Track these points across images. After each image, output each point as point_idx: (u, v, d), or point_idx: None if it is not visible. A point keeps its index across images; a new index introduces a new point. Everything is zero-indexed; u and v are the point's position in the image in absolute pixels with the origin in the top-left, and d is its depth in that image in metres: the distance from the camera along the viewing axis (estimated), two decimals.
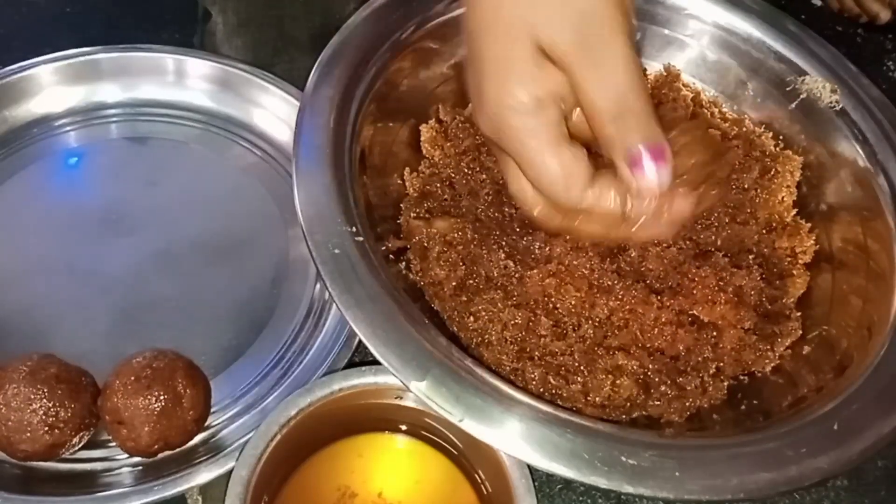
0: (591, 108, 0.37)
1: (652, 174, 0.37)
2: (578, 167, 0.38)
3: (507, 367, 0.43)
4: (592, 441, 0.36)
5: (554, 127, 0.37)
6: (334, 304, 0.47)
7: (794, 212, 0.52)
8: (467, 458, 0.43)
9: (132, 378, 0.43)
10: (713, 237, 0.49)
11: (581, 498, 0.47)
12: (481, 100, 0.39)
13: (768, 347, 0.46)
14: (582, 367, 0.43)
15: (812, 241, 0.50)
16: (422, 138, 0.52)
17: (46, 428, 0.42)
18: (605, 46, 0.36)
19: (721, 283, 0.46)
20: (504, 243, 0.47)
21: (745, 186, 0.51)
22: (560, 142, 0.38)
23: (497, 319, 0.44)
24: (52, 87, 0.59)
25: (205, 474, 0.43)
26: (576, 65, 0.36)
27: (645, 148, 0.36)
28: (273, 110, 0.59)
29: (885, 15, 0.69)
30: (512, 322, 0.44)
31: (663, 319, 0.45)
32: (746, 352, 0.45)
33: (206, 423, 0.46)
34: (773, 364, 0.45)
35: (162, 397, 0.43)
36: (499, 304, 0.44)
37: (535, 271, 0.45)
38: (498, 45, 0.38)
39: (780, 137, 0.54)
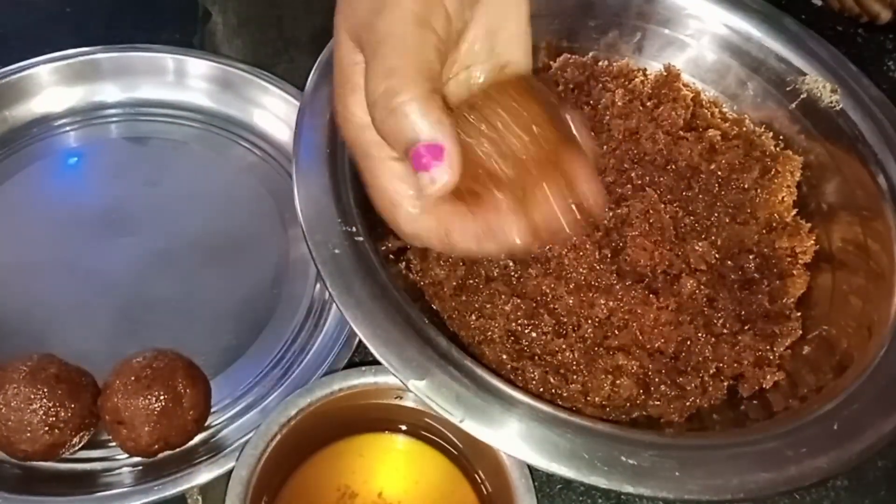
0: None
1: (434, 177, 0.31)
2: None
3: (508, 367, 0.43)
4: (592, 441, 0.36)
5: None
6: (334, 304, 0.47)
7: (794, 212, 0.52)
8: (467, 458, 0.43)
9: (132, 378, 0.43)
10: (713, 238, 0.49)
11: (581, 498, 0.47)
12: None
13: (768, 347, 0.46)
14: (582, 367, 0.43)
15: (812, 241, 0.50)
16: None
17: (46, 428, 0.42)
18: (383, 32, 0.31)
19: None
20: None
21: (745, 186, 0.51)
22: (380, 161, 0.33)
23: (500, 313, 0.44)
24: (52, 87, 0.59)
25: (205, 474, 0.43)
26: (366, 54, 0.32)
27: (418, 150, 0.30)
28: (273, 110, 0.59)
29: (885, 15, 0.69)
30: (514, 314, 0.44)
31: (663, 319, 0.45)
32: (746, 352, 0.45)
33: (206, 423, 0.46)
34: (774, 376, 0.45)
35: (162, 397, 0.43)
36: (502, 297, 0.44)
37: (532, 270, 0.45)
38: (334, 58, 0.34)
39: (780, 137, 0.54)
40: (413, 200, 0.33)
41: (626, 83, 0.55)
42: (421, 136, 0.30)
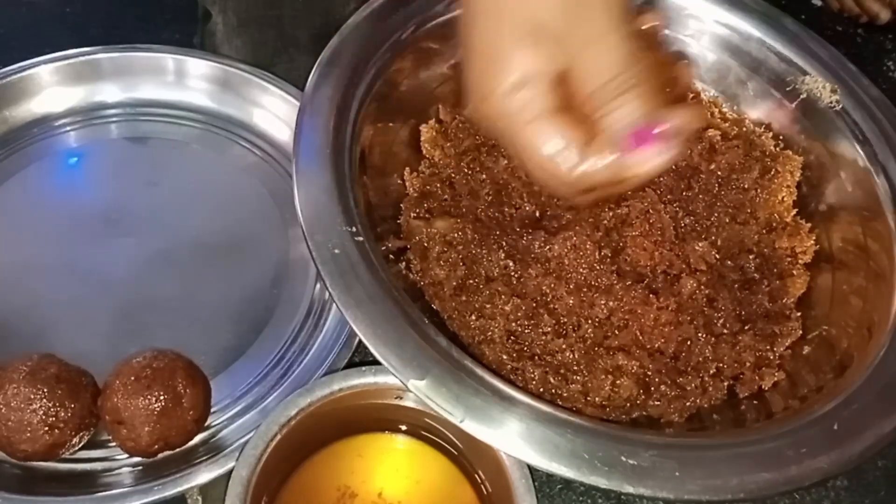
0: (585, 89, 0.37)
1: (644, 158, 0.36)
2: (565, 143, 0.37)
3: (508, 367, 0.43)
4: (592, 441, 0.36)
5: (538, 105, 0.37)
6: (334, 304, 0.47)
7: (794, 212, 0.52)
8: (467, 458, 0.43)
9: (132, 378, 0.43)
10: (713, 237, 0.49)
11: (581, 498, 0.47)
12: (473, 90, 0.39)
13: (768, 347, 0.46)
14: (582, 367, 0.43)
15: (812, 241, 0.50)
16: (422, 138, 0.52)
17: (46, 428, 0.42)
18: (594, 25, 0.36)
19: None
20: (504, 243, 0.47)
21: (745, 186, 0.51)
22: (546, 119, 0.37)
23: (500, 313, 0.44)
24: (52, 87, 0.59)
25: (205, 474, 0.43)
26: (569, 45, 0.36)
27: (634, 134, 0.36)
28: (273, 110, 0.59)
29: (885, 15, 0.69)
30: (514, 314, 0.44)
31: (663, 319, 0.45)
32: (746, 352, 0.45)
33: (206, 423, 0.46)
34: (774, 376, 0.45)
35: (162, 397, 0.43)
36: (502, 297, 0.44)
37: (532, 270, 0.45)
38: (489, 33, 0.38)
39: (780, 137, 0.54)
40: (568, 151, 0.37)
41: None
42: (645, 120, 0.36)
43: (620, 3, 0.37)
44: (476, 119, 0.41)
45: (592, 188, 0.38)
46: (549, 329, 0.44)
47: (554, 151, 0.37)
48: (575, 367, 0.43)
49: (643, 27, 0.41)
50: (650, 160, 0.36)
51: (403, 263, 0.47)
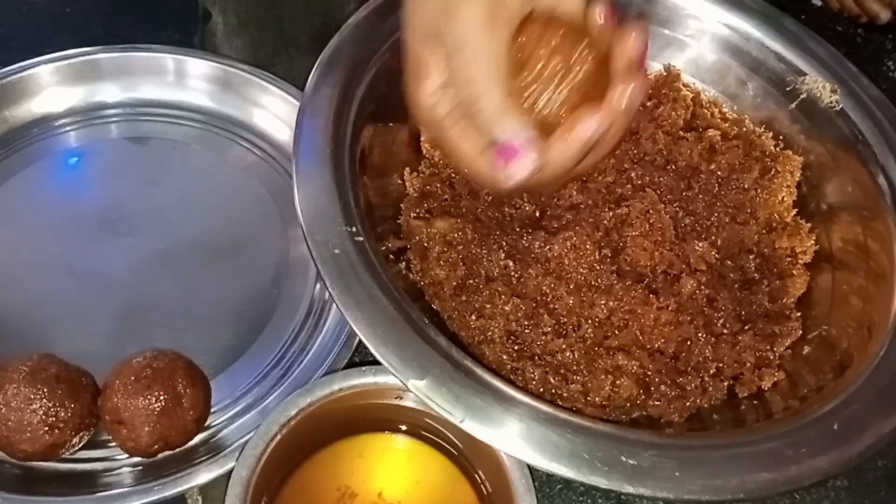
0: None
1: (510, 173, 0.37)
2: (479, 149, 0.38)
3: (508, 367, 0.43)
4: (592, 441, 0.36)
5: (452, 113, 0.38)
6: (334, 304, 0.47)
7: (794, 212, 0.52)
8: (467, 458, 0.43)
9: (132, 378, 0.43)
10: (713, 237, 0.49)
11: (581, 498, 0.47)
12: (409, 98, 0.40)
13: (768, 347, 0.46)
14: (582, 367, 0.43)
15: (812, 241, 0.50)
16: (422, 138, 0.52)
17: (46, 428, 0.42)
18: (456, 40, 0.37)
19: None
20: (504, 243, 0.47)
21: (745, 186, 0.51)
22: (460, 126, 0.38)
23: (500, 313, 0.44)
24: (52, 87, 0.59)
25: (205, 474, 0.43)
26: (448, 48, 0.37)
27: (497, 149, 0.37)
28: (273, 110, 0.59)
29: (885, 15, 0.69)
30: (514, 314, 0.44)
31: (663, 319, 0.45)
32: (746, 352, 0.45)
33: (206, 423, 0.46)
34: (774, 376, 0.45)
35: (162, 397, 0.43)
36: (502, 297, 0.44)
37: (532, 270, 0.45)
38: (409, 40, 0.40)
39: (780, 137, 0.54)
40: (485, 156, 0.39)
41: None
42: (499, 137, 0.37)
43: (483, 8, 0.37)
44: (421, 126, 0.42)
45: (527, 188, 0.40)
46: (549, 329, 0.44)
47: (471, 157, 0.39)
48: (575, 367, 0.43)
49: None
50: (519, 172, 0.37)
51: (403, 263, 0.47)
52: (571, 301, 0.45)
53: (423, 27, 0.39)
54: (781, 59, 0.54)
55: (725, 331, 0.46)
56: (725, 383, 0.45)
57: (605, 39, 0.39)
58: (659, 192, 0.50)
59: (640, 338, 0.45)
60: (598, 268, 0.46)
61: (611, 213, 0.48)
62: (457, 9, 0.36)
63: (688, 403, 0.44)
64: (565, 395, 0.43)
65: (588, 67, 0.38)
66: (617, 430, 0.38)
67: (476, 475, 0.43)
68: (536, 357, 0.44)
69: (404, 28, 0.40)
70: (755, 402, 0.45)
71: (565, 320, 0.45)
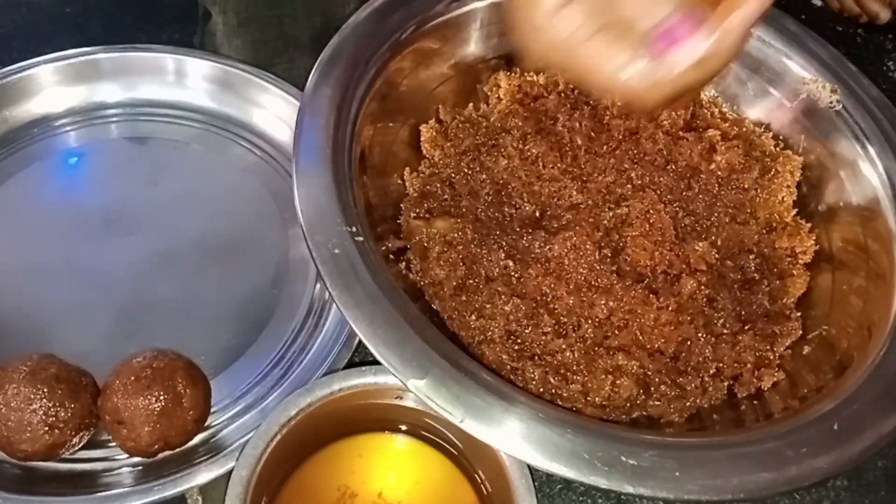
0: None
1: (675, 61, 0.36)
2: (627, 56, 0.37)
3: (508, 367, 0.43)
4: (592, 441, 0.36)
5: (585, 25, 0.36)
6: (334, 304, 0.47)
7: (794, 212, 0.52)
8: (467, 458, 0.43)
9: (132, 378, 0.43)
10: (713, 237, 0.49)
11: (581, 498, 0.47)
12: (521, 27, 0.38)
13: (768, 347, 0.46)
14: (582, 367, 0.43)
15: (812, 241, 0.50)
16: (422, 138, 0.52)
17: (46, 428, 0.42)
18: None
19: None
20: (504, 243, 0.47)
21: (745, 186, 0.51)
22: (598, 38, 0.36)
23: (500, 313, 0.44)
24: (52, 87, 0.59)
25: (205, 474, 0.43)
26: None
27: (658, 35, 0.36)
28: (273, 110, 0.59)
29: (885, 15, 0.69)
30: (514, 314, 0.44)
31: (663, 319, 0.45)
32: (746, 352, 0.45)
33: (206, 423, 0.46)
34: (774, 376, 0.45)
35: (162, 397, 0.43)
36: (502, 297, 0.44)
37: (532, 270, 0.45)
38: None
39: (780, 137, 0.54)
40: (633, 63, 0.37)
41: None
42: (658, 24, 0.35)
43: None
44: (533, 62, 0.40)
45: (674, 94, 0.38)
46: (549, 329, 0.44)
47: (616, 68, 0.36)
48: (575, 367, 0.43)
49: None
50: (684, 57, 0.35)
51: (403, 263, 0.47)
52: (571, 301, 0.45)
53: None
54: (781, 59, 0.54)
55: (725, 331, 0.46)
56: (725, 383, 0.45)
57: None
58: (659, 192, 0.50)
59: (640, 338, 0.45)
60: (598, 268, 0.46)
61: (611, 213, 0.48)
62: None
63: (688, 403, 0.44)
64: (565, 395, 0.43)
65: None
66: (617, 430, 0.38)
67: (476, 475, 0.43)
68: (536, 357, 0.44)
69: None
70: (755, 402, 0.45)
71: (565, 320, 0.45)
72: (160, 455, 0.44)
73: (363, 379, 0.42)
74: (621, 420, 0.43)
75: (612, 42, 0.36)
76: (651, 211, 0.48)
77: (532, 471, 0.39)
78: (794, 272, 0.49)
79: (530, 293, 0.45)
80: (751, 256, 0.49)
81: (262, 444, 0.40)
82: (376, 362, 0.38)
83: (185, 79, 0.60)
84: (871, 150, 0.50)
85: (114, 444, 0.44)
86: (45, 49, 0.58)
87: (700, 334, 0.45)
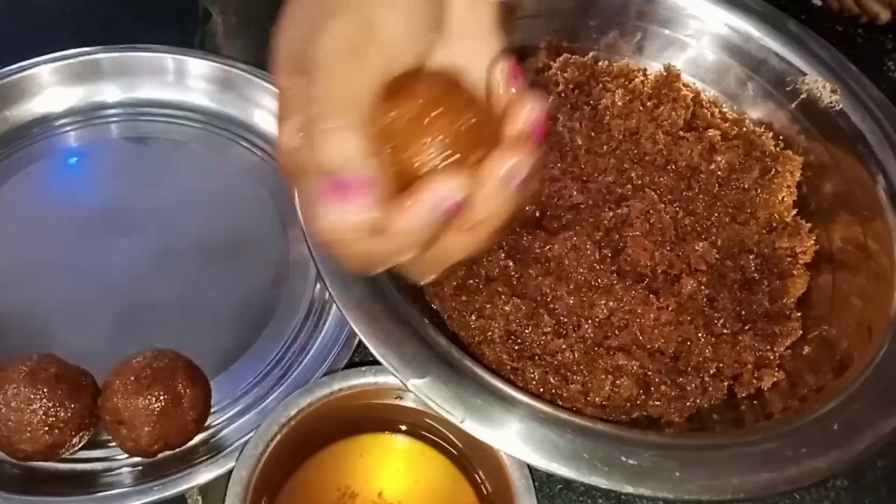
0: None
1: (338, 219, 0.29)
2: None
3: (508, 367, 0.43)
4: (592, 441, 0.36)
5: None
6: (334, 304, 0.47)
7: (794, 212, 0.52)
8: (467, 458, 0.43)
9: (132, 378, 0.43)
10: (713, 237, 0.49)
11: (581, 498, 0.47)
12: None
13: (768, 347, 0.46)
14: (582, 368, 0.43)
15: (812, 241, 0.50)
16: None
17: (46, 428, 0.42)
18: (313, 60, 0.29)
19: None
20: (504, 243, 0.47)
21: (746, 186, 0.51)
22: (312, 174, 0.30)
23: (500, 313, 0.44)
24: (52, 87, 0.59)
25: (205, 474, 0.43)
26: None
27: (328, 182, 0.28)
28: (273, 110, 0.59)
29: (885, 15, 0.69)
30: (514, 314, 0.44)
31: (663, 319, 0.45)
32: (746, 352, 0.45)
33: (206, 423, 0.46)
34: (774, 376, 0.45)
35: (162, 397, 0.43)
36: (502, 297, 0.44)
37: (532, 270, 0.45)
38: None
39: (780, 137, 0.54)
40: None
41: (627, 83, 0.55)
42: (333, 168, 0.28)
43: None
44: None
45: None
46: (549, 329, 0.44)
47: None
48: (575, 367, 0.43)
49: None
50: (349, 216, 0.28)
51: None
52: (571, 301, 0.45)
53: (289, 57, 0.32)
54: (781, 59, 0.54)
55: (725, 331, 0.46)
56: (725, 383, 0.45)
57: (502, 105, 0.32)
58: (659, 192, 0.50)
59: (640, 338, 0.45)
60: (598, 268, 0.46)
61: (611, 213, 0.48)
62: (322, 28, 0.29)
63: (688, 403, 0.44)
64: (565, 395, 0.43)
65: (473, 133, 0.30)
66: (617, 430, 0.38)
67: (476, 475, 0.43)
68: (536, 357, 0.44)
69: (271, 62, 0.32)
70: (755, 402, 0.45)
71: (565, 320, 0.45)
72: (160, 455, 0.44)
73: (363, 379, 0.42)
74: (621, 420, 0.43)
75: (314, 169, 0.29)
76: (651, 211, 0.48)
77: (532, 471, 0.39)
78: (795, 272, 0.49)
79: (530, 293, 0.45)
80: (751, 256, 0.49)
81: (262, 444, 0.40)
82: (376, 362, 0.38)
83: (186, 79, 0.60)
84: (871, 150, 0.49)
85: (114, 444, 0.44)
86: (45, 49, 0.58)
87: (700, 334, 0.45)
